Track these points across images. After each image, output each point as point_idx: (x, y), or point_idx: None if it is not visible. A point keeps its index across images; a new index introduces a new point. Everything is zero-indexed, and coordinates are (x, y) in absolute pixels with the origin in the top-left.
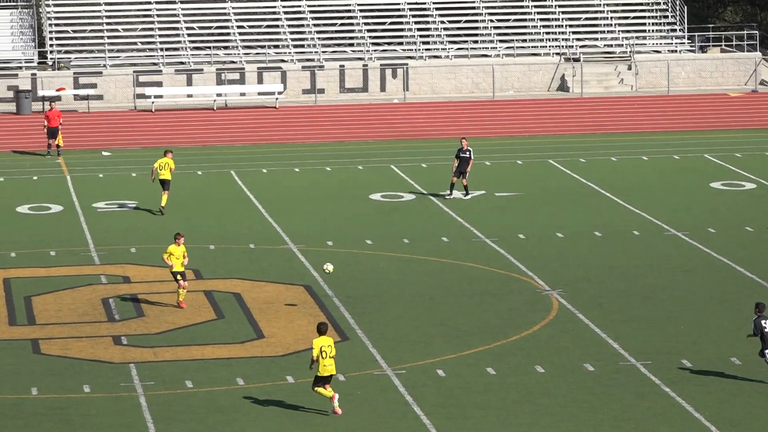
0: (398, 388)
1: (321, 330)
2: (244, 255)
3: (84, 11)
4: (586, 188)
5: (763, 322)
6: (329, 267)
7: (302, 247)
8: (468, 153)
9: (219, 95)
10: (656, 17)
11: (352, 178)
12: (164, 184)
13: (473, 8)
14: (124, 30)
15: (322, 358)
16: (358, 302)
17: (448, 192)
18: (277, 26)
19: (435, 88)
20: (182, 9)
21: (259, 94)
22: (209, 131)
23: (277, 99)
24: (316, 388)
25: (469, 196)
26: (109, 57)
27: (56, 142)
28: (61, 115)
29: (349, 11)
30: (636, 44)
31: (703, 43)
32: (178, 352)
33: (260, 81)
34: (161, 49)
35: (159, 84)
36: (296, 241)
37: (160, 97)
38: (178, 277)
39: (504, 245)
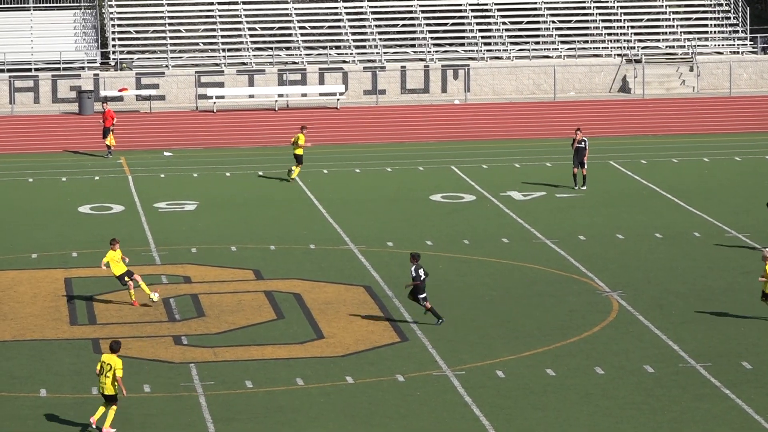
0: (457, 389)
1: (112, 348)
2: (304, 255)
3: (146, 12)
4: (647, 189)
5: (420, 270)
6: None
7: (362, 247)
8: (583, 143)
9: (280, 96)
10: (718, 18)
11: (412, 179)
12: (297, 158)
13: (535, 9)
14: (187, 30)
15: (100, 374)
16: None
17: (575, 185)
18: (338, 27)
19: (496, 89)
20: (244, 9)
21: (321, 94)
22: (270, 132)
23: (338, 100)
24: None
25: (584, 188)
26: (171, 57)
27: (107, 142)
28: (114, 115)
29: (410, 12)
30: (698, 45)
31: (765, 45)
32: (238, 352)
33: (322, 82)
34: (223, 50)
35: (221, 84)
36: (356, 241)
37: (222, 97)
38: (126, 278)
39: (564, 246)
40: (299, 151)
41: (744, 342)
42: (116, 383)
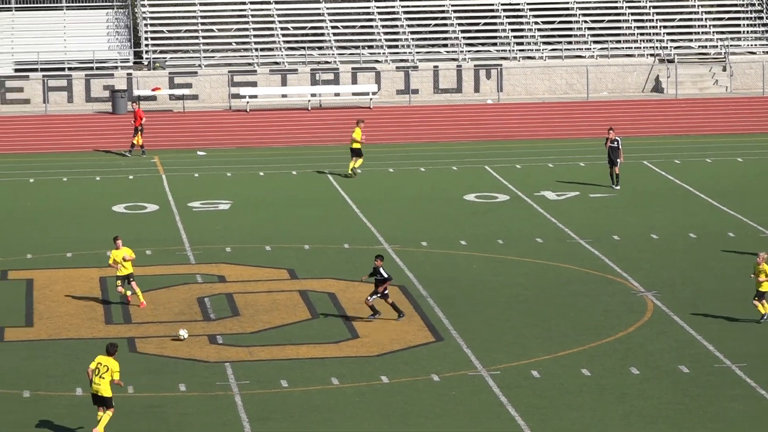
0: (493, 388)
1: (108, 350)
2: (338, 255)
3: (179, 11)
4: (680, 189)
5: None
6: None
7: (396, 247)
8: (616, 143)
9: (313, 95)
10: (751, 18)
11: (446, 179)
12: (355, 152)
13: (567, 9)
14: (219, 30)
15: (95, 375)
16: (453, 303)
17: (612, 184)
18: (371, 27)
19: (529, 88)
20: (277, 9)
21: (354, 94)
22: (303, 131)
23: (371, 99)
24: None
25: (618, 187)
26: (204, 57)
27: (134, 141)
28: (144, 115)
29: (443, 12)
30: (730, 45)
31: None
32: (273, 351)
33: (354, 81)
34: (256, 50)
35: (254, 84)
36: (390, 241)
37: (255, 97)
38: (131, 279)
39: (598, 246)
40: (356, 146)
41: None
42: (113, 385)
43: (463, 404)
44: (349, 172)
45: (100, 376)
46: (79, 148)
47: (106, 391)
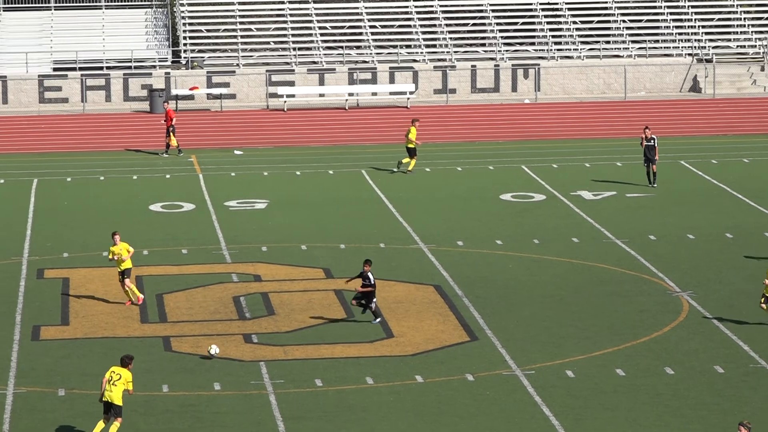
0: (527, 388)
1: (123, 362)
2: (374, 254)
3: (217, 11)
4: (717, 189)
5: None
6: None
7: (432, 246)
8: (652, 141)
9: (351, 95)
10: None
11: (482, 178)
12: (409, 151)
13: (605, 8)
14: (257, 29)
15: (108, 383)
16: (488, 302)
17: (649, 183)
18: (409, 26)
19: (566, 88)
20: (315, 9)
21: (391, 93)
22: (341, 131)
23: (408, 99)
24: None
25: (655, 185)
26: (242, 56)
27: (168, 141)
28: (174, 115)
29: (481, 11)
30: None
31: None
32: (308, 350)
33: (392, 81)
34: (294, 49)
35: (291, 83)
36: (426, 240)
37: (293, 96)
38: (127, 275)
39: (634, 246)
40: (411, 145)
41: None
42: (125, 394)
43: (497, 404)
44: (402, 169)
45: (113, 384)
46: (117, 147)
47: (117, 399)
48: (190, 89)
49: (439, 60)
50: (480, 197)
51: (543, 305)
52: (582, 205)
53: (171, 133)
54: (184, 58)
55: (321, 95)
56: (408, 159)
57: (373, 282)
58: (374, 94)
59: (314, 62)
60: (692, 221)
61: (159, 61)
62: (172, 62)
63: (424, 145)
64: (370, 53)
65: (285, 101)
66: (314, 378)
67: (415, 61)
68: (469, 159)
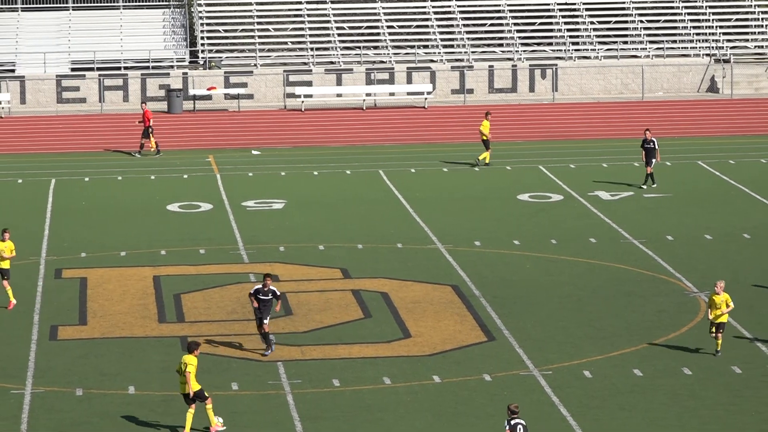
0: (544, 389)
1: (188, 347)
2: (391, 254)
3: (235, 11)
4: (735, 190)
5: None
6: None
7: (450, 246)
8: (652, 143)
9: (368, 95)
10: None
11: (500, 179)
12: (485, 143)
13: (623, 8)
14: (275, 30)
15: (180, 375)
16: (505, 303)
17: (652, 183)
18: (426, 26)
19: (584, 88)
20: (332, 9)
21: (408, 93)
22: (358, 131)
23: (426, 99)
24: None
25: (651, 185)
26: (260, 56)
27: (143, 141)
28: (152, 115)
29: (498, 11)
30: None
31: None
32: (325, 350)
33: (409, 81)
34: (311, 49)
35: (309, 83)
36: (444, 241)
37: (310, 96)
38: (5, 276)
39: (652, 247)
40: (485, 138)
41: None
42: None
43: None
44: (480, 160)
45: (183, 374)
46: (134, 147)
47: (193, 386)
48: (208, 89)
49: (457, 60)
50: (497, 197)
51: (560, 305)
52: (599, 205)
53: (150, 134)
54: (202, 58)
55: (338, 95)
56: (486, 153)
57: (275, 296)
58: (392, 94)
59: (332, 62)
60: (710, 221)
61: (177, 61)
62: (190, 62)
63: (441, 145)
64: (388, 53)
65: (302, 101)
66: (332, 378)
67: (432, 61)
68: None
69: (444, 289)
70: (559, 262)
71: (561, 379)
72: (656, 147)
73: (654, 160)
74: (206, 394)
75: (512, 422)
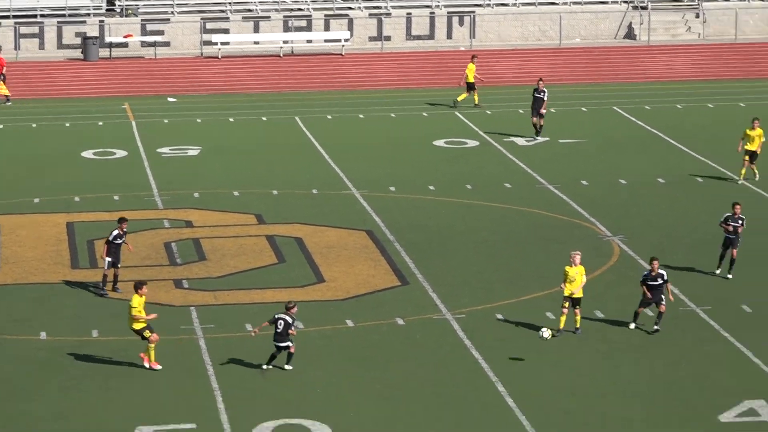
0: (457, 332)
1: (135, 287)
2: (306, 200)
3: None
4: (650, 135)
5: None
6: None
7: (365, 192)
8: (542, 93)
9: (285, 42)
10: None
11: (416, 125)
12: (468, 86)
13: None
14: None
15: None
16: (420, 248)
17: (535, 135)
18: None
19: (502, 35)
20: None
21: (326, 41)
22: (275, 78)
23: (343, 46)
24: None
25: (537, 139)
26: (177, 4)
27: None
28: (5, 63)
29: None
30: None
31: None
32: (238, 295)
33: (327, 28)
34: None
35: (226, 31)
36: (359, 186)
37: (227, 44)
38: None
39: (567, 192)
40: (470, 80)
41: (744, 286)
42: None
43: (427, 347)
44: (457, 102)
45: (130, 314)
46: (50, 95)
47: (137, 325)
48: (124, 37)
49: (375, 7)
50: (413, 143)
51: (474, 250)
52: (515, 150)
53: (2, 82)
54: (119, 6)
55: (256, 43)
56: (465, 95)
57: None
58: (309, 41)
59: (249, 10)
60: (624, 167)
61: (93, 9)
62: (107, 10)
63: (358, 92)
64: (305, 1)
65: (219, 49)
66: (245, 323)
67: (350, 8)
68: (403, 106)
69: (358, 234)
70: (474, 207)
71: (473, 323)
72: (545, 98)
73: (543, 111)
74: (146, 336)
75: (276, 315)
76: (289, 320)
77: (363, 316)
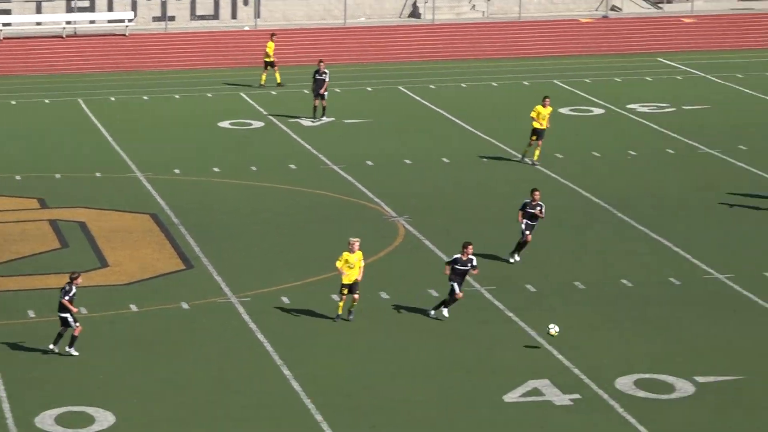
0: (242, 315)
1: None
2: (90, 183)
3: None
4: (435, 115)
5: None
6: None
7: (149, 175)
8: (324, 75)
9: (68, 23)
10: None
11: (201, 106)
12: (267, 64)
13: None
14: None
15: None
16: (205, 231)
17: (313, 117)
18: None
19: (287, 14)
20: None
21: (109, 21)
22: (58, 59)
23: (127, 27)
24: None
25: (321, 120)
26: None
27: None
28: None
29: None
30: None
31: None
32: (20, 281)
33: (110, 8)
34: None
35: (7, 12)
36: (143, 169)
37: (9, 25)
38: None
39: (352, 172)
40: (269, 59)
41: (529, 265)
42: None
43: (212, 331)
44: (262, 83)
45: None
46: None
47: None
48: None
49: None
50: (198, 125)
51: (260, 233)
52: (300, 131)
53: None
54: None
55: (38, 24)
56: (265, 74)
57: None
58: (92, 22)
59: None
60: (409, 146)
61: None
62: None
63: (142, 73)
64: None
65: (0, 30)
66: (27, 309)
67: None
68: (187, 87)
69: (143, 217)
70: (259, 189)
71: (259, 306)
72: (327, 79)
73: (323, 92)
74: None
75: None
76: (67, 288)
77: (147, 301)
